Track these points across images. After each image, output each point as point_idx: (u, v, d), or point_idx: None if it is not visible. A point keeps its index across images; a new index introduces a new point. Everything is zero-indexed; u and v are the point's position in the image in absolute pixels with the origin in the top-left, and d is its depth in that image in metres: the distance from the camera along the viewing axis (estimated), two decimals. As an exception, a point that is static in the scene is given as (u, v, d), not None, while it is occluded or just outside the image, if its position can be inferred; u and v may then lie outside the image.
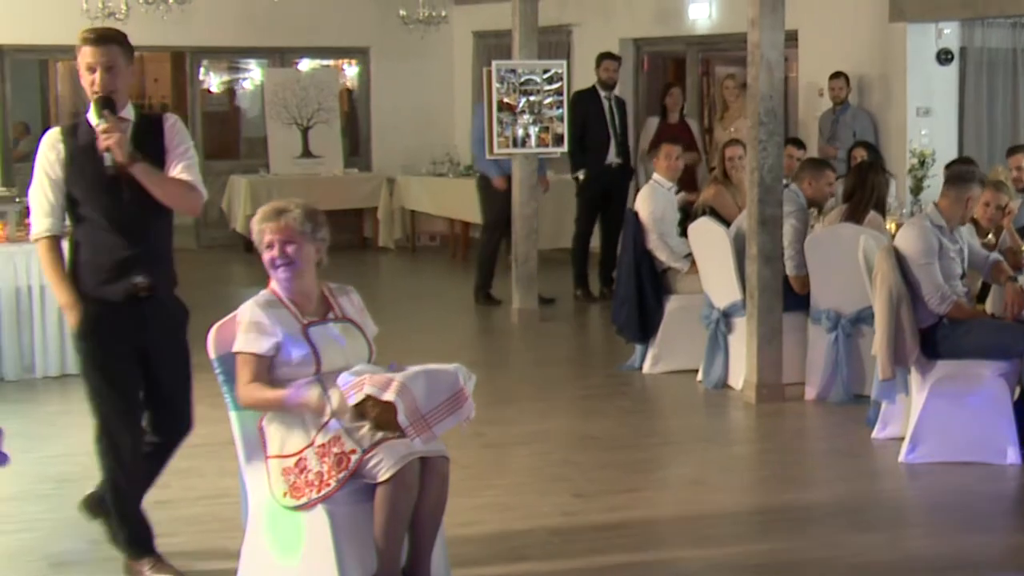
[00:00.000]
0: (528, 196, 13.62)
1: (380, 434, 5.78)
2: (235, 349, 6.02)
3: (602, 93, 14.96)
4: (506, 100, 13.25)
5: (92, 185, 6.30)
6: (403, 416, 5.66)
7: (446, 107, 20.23)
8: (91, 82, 6.31)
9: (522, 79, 13.31)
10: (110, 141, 6.13)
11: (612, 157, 14.90)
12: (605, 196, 14.92)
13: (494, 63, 13.61)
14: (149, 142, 6.37)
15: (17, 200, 11.96)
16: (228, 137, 22.34)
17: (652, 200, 11.25)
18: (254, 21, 19.34)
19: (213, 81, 22.58)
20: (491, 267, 14.83)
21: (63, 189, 6.36)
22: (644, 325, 11.08)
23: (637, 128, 16.99)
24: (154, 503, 6.93)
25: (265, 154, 19.96)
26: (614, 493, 7.98)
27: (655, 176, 11.59)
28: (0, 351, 10.95)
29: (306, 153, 19.81)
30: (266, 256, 6.06)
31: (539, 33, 14.06)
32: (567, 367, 11.87)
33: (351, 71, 21.14)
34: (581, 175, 14.94)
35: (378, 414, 5.76)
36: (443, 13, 18.06)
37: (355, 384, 5.79)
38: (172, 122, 6.54)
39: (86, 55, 6.31)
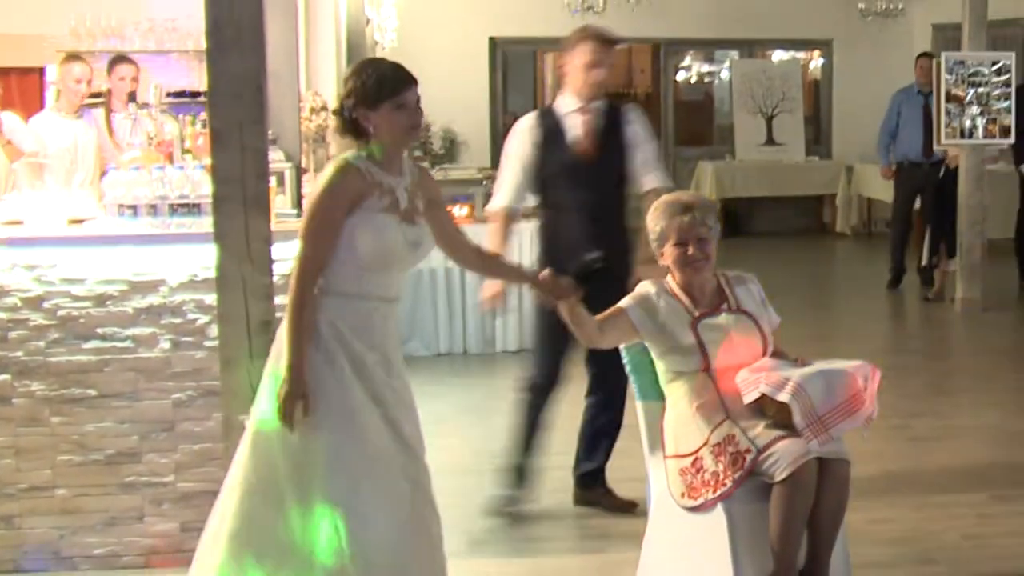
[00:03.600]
0: (974, 187, 12.80)
1: (776, 433, 5.28)
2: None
3: (1049, 85, 13.99)
4: (954, 91, 12.58)
5: (560, 169, 6.71)
6: (799, 418, 5.20)
7: (906, 97, 19.58)
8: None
9: (970, 71, 12.59)
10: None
11: (1058, 150, 13.92)
12: (1049, 189, 14.00)
13: (943, 54, 13.00)
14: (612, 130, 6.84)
15: (484, 183, 11.94)
16: (702, 125, 22.21)
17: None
18: (724, 14, 19.03)
19: (692, 71, 22.53)
20: (896, 254, 14.16)
21: (532, 172, 6.77)
22: (1084, 318, 10.25)
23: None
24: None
25: (732, 141, 19.72)
26: (1036, 498, 7.26)
27: None
28: (466, 327, 10.99)
29: (770, 141, 19.51)
30: (676, 252, 5.61)
31: (995, 26, 13.43)
32: (1004, 359, 10.95)
33: (816, 63, 20.65)
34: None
35: (774, 413, 5.31)
36: (900, 6, 17.42)
37: (751, 382, 5.37)
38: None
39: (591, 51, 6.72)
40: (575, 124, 6.77)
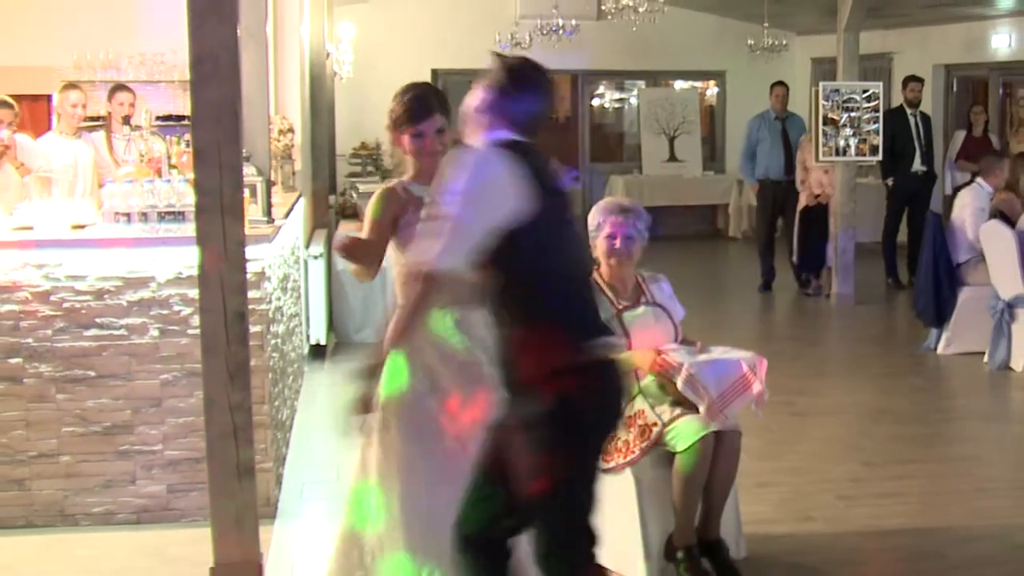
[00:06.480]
0: (847, 198, 12.93)
1: (678, 410, 5.39)
2: None
3: (908, 111, 14.13)
4: (831, 115, 12.70)
5: None
6: (694, 397, 5.30)
7: (787, 122, 19.73)
8: None
9: (844, 98, 12.72)
10: None
11: (917, 165, 14.09)
12: (911, 199, 14.10)
13: (821, 84, 13.09)
14: None
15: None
16: (613, 144, 22.34)
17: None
18: (633, 49, 19.06)
19: (606, 98, 22.60)
20: (766, 259, 14.09)
21: None
22: (939, 311, 10.35)
23: (946, 140, 16.37)
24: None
25: (639, 158, 19.75)
26: (899, 464, 7.33)
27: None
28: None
29: (672, 158, 19.60)
30: (606, 244, 5.62)
31: (865, 59, 13.62)
32: (873, 346, 11.07)
33: (711, 91, 20.76)
34: (890, 182, 14.25)
35: (675, 390, 5.39)
36: (784, 42, 17.49)
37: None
38: None
39: None
40: None
